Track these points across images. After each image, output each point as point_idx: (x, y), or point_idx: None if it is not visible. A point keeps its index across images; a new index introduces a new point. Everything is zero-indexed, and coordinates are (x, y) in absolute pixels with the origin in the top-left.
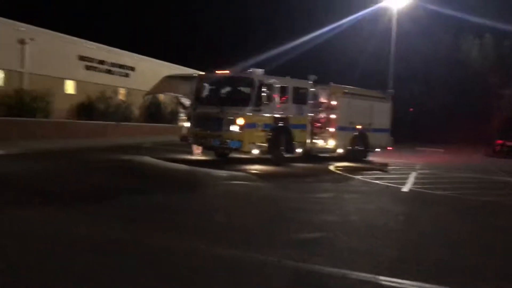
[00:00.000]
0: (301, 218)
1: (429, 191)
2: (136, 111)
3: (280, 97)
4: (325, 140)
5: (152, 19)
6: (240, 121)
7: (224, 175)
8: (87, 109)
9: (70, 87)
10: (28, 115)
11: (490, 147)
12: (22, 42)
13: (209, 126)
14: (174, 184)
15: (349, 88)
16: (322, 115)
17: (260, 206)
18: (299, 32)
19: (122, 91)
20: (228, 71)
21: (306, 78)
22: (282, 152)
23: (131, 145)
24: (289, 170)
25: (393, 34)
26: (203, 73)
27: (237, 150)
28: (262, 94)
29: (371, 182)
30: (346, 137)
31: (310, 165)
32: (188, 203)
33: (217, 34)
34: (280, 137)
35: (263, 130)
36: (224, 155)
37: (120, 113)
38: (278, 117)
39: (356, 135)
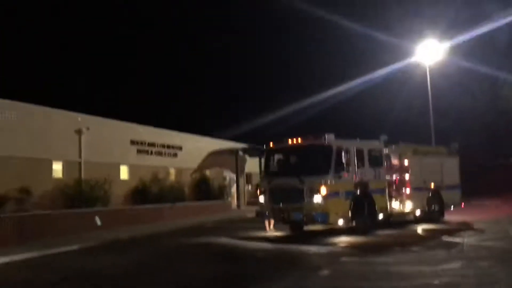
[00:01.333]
0: None
1: None
2: (186, 190)
3: (358, 162)
4: (401, 203)
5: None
6: (323, 190)
7: (323, 251)
8: (142, 193)
9: (124, 172)
10: (87, 205)
11: None
12: (79, 132)
13: (288, 199)
14: (280, 267)
15: (418, 146)
16: (396, 177)
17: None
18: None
19: (171, 171)
20: (301, 139)
21: (376, 138)
22: (366, 220)
23: (194, 226)
24: (381, 240)
25: (429, 89)
26: (271, 143)
27: (323, 222)
28: (341, 160)
29: (480, 244)
30: (421, 198)
31: (395, 231)
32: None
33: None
34: (363, 204)
35: (346, 198)
36: (299, 228)
37: (173, 194)
38: (358, 183)
39: (430, 194)
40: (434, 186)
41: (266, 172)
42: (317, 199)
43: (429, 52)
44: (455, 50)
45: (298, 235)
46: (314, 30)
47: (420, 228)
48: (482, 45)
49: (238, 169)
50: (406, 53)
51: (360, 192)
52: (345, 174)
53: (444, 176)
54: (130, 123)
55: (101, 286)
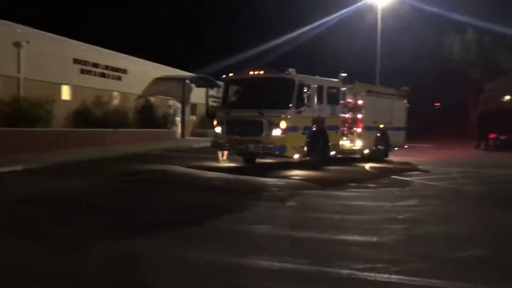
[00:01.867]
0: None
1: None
2: (130, 116)
3: (317, 98)
4: (352, 140)
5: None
6: (283, 124)
7: (282, 184)
8: (84, 115)
9: (66, 92)
10: (27, 124)
11: (480, 141)
12: (17, 45)
13: (246, 131)
14: (245, 197)
15: (372, 86)
16: (349, 115)
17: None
18: (283, 30)
19: (115, 95)
20: (263, 71)
21: (335, 77)
22: (320, 155)
23: (141, 153)
24: (334, 175)
25: (378, 31)
26: (231, 74)
27: (280, 155)
28: (303, 95)
29: (430, 184)
30: (371, 137)
31: (345, 167)
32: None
33: (200, 32)
34: (318, 140)
35: (303, 133)
36: (252, 161)
37: (117, 119)
38: (315, 119)
39: (379, 134)
40: (383, 126)
41: (224, 103)
42: (276, 132)
43: None
44: None
45: (252, 167)
46: None
47: (367, 166)
48: None
49: (184, 98)
50: None
51: (316, 128)
52: (305, 109)
53: (392, 117)
54: (73, 40)
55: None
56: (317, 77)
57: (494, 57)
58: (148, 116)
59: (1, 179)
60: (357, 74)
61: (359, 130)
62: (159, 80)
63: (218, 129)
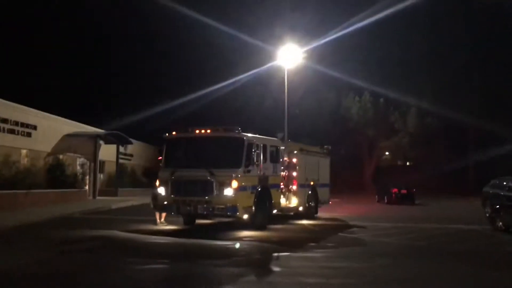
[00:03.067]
0: None
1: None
2: (41, 176)
3: (262, 157)
4: (288, 198)
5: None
6: (235, 184)
7: (245, 247)
8: None
9: None
10: None
11: (383, 195)
12: None
13: (195, 192)
14: (221, 264)
15: (303, 145)
16: (285, 173)
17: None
18: (193, 88)
19: (23, 152)
20: (210, 130)
21: (271, 136)
22: (266, 214)
23: (64, 217)
24: (285, 235)
25: (285, 91)
26: (174, 132)
27: (232, 215)
28: (252, 154)
29: (380, 240)
30: (304, 194)
31: (286, 226)
32: None
33: (108, 85)
34: (264, 199)
35: (251, 193)
36: (192, 222)
37: (28, 179)
38: (261, 178)
39: (310, 191)
40: (313, 183)
41: (167, 162)
42: (228, 192)
43: (289, 56)
44: (311, 55)
45: (194, 228)
46: (184, 30)
47: (307, 223)
48: (334, 50)
49: (97, 156)
50: (270, 57)
51: (261, 187)
52: (253, 168)
53: (319, 174)
54: None
55: None
56: (261, 136)
57: (388, 118)
58: (57, 175)
59: None
60: (266, 132)
61: (294, 187)
62: (69, 136)
63: (161, 190)
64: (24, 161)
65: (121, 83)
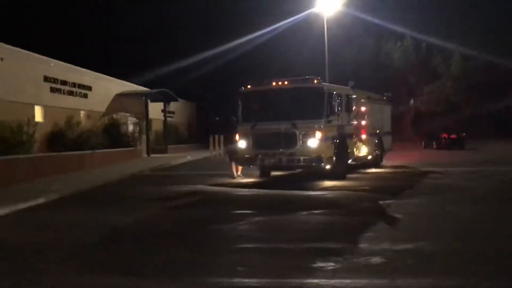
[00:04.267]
0: None
1: None
2: (100, 136)
3: (340, 107)
4: (358, 147)
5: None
6: (318, 135)
7: (346, 195)
8: (59, 138)
9: (38, 113)
10: (7, 152)
11: (431, 140)
12: None
13: (279, 144)
14: (341, 213)
15: (369, 93)
16: (355, 122)
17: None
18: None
19: (82, 114)
20: (288, 82)
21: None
22: (344, 164)
23: (138, 175)
24: (370, 183)
25: (325, 38)
26: (249, 86)
27: (317, 166)
28: (332, 104)
29: (470, 185)
30: (373, 143)
31: (364, 175)
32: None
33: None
34: (343, 149)
35: (332, 143)
36: (268, 174)
37: (91, 140)
38: (339, 128)
39: (377, 140)
40: (379, 131)
41: (245, 116)
42: (312, 143)
43: (328, 3)
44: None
45: (274, 180)
46: None
47: (380, 171)
48: None
49: (148, 115)
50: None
51: (340, 137)
52: (333, 119)
53: (383, 122)
54: (42, 55)
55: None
56: (334, 85)
57: (430, 63)
58: (114, 135)
59: (36, 215)
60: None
61: (364, 136)
62: (120, 96)
63: (241, 144)
64: (84, 122)
65: (149, 36)
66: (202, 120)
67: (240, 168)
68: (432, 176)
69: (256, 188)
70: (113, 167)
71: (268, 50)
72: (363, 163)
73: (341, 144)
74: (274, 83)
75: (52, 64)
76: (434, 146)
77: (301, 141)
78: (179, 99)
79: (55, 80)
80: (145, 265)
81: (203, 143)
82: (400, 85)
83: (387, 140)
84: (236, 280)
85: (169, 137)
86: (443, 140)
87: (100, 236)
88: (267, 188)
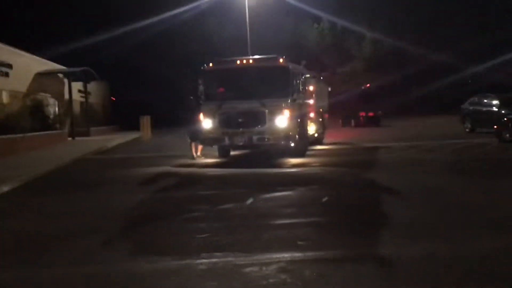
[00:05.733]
0: None
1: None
2: (26, 118)
3: (301, 86)
4: (307, 126)
5: None
6: (287, 113)
7: (311, 171)
8: None
9: None
10: None
11: (349, 119)
12: None
13: (247, 123)
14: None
15: (313, 72)
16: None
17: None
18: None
19: (6, 94)
20: (253, 60)
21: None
22: (305, 141)
23: (82, 159)
24: (334, 159)
25: (247, 17)
26: (211, 64)
27: (285, 144)
28: (296, 82)
29: (426, 157)
30: (318, 121)
31: (315, 152)
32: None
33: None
34: (304, 127)
35: (296, 122)
36: (227, 153)
37: (21, 122)
38: (301, 107)
39: (321, 119)
40: (321, 110)
41: (208, 95)
42: (280, 121)
43: None
44: None
45: (237, 159)
46: None
47: (330, 148)
48: None
49: (72, 96)
50: None
51: (301, 115)
52: (297, 97)
53: (324, 101)
54: None
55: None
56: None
57: (344, 45)
58: (40, 117)
59: (23, 203)
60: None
61: (312, 115)
62: (41, 75)
63: (207, 123)
64: (9, 103)
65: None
66: (117, 100)
67: (200, 148)
68: (384, 151)
69: (228, 168)
70: (46, 151)
71: (188, 29)
72: (310, 142)
73: (303, 123)
74: (238, 62)
75: None
76: (352, 124)
77: (270, 120)
78: None
79: None
80: (205, 243)
81: (121, 125)
82: (314, 65)
83: (326, 119)
84: (297, 254)
85: (88, 119)
86: (361, 118)
87: (117, 220)
88: (242, 167)
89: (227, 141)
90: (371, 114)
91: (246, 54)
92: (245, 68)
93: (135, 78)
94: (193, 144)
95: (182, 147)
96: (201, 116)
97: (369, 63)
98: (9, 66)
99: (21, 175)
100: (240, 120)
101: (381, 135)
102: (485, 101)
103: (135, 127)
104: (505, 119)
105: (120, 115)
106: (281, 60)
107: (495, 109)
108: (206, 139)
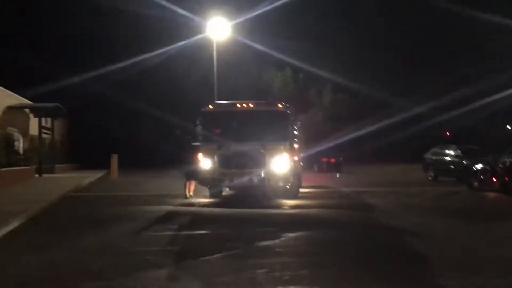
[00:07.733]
0: None
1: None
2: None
3: (296, 130)
4: None
5: None
6: (285, 156)
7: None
8: None
9: None
10: None
11: (311, 164)
12: None
13: (247, 164)
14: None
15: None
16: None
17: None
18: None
19: None
20: (253, 104)
21: None
22: (300, 184)
23: (66, 196)
24: (326, 201)
25: (215, 65)
26: (211, 106)
27: (283, 186)
28: (294, 127)
29: (411, 202)
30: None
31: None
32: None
33: None
34: (299, 169)
35: (293, 163)
36: (219, 194)
37: None
38: (295, 150)
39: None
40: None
41: (207, 136)
42: (281, 164)
43: (218, 29)
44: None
45: (232, 199)
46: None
47: (314, 191)
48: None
49: (41, 131)
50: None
51: (295, 158)
52: (294, 140)
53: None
54: None
55: None
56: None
57: (306, 93)
58: (11, 152)
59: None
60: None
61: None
62: (10, 109)
63: (206, 164)
64: None
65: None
66: (77, 137)
67: (192, 188)
68: (368, 195)
69: (231, 208)
70: (21, 188)
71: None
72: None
73: (296, 165)
74: (238, 105)
75: None
76: (315, 169)
77: (269, 162)
78: None
79: None
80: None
81: (81, 163)
82: None
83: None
84: None
85: (51, 156)
86: (324, 164)
87: (165, 256)
88: (244, 207)
89: (226, 181)
90: (333, 160)
91: (213, 97)
92: (245, 111)
93: (100, 115)
94: (187, 184)
95: (157, 187)
96: (200, 156)
97: (329, 112)
98: None
99: (20, 211)
100: (240, 161)
101: (351, 181)
102: (447, 151)
103: (97, 165)
104: (474, 169)
105: (79, 153)
106: (280, 105)
107: (457, 159)
108: (204, 179)
